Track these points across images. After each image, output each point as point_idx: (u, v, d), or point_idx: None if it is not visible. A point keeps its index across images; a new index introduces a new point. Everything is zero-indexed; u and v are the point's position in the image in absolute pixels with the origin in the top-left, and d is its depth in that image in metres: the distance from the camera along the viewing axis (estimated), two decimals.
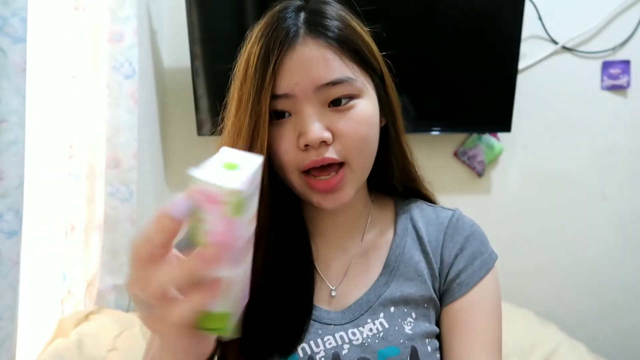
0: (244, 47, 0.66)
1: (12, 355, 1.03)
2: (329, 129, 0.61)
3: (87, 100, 1.45)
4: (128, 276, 0.41)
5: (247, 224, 0.43)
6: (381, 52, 0.69)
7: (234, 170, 0.41)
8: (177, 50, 1.90)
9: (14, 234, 1.00)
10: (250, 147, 0.62)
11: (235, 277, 0.43)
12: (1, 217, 0.99)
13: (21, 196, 1.02)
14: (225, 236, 0.40)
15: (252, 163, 0.42)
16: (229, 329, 0.45)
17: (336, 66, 0.62)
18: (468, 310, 0.66)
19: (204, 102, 1.81)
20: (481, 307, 0.67)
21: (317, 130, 0.60)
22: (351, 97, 0.63)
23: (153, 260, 0.40)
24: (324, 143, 0.61)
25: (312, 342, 0.66)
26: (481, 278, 0.69)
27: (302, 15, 0.64)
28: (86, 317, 1.39)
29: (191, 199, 0.39)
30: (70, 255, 1.44)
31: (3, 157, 0.99)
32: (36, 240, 1.32)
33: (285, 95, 0.61)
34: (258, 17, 0.68)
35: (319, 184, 0.63)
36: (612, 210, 1.88)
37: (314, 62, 0.61)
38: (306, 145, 0.61)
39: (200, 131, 1.86)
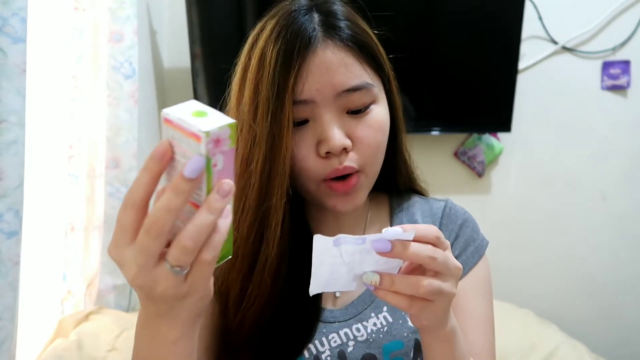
0: (253, 47, 0.64)
1: (12, 355, 1.03)
2: (347, 135, 0.62)
3: (87, 100, 1.45)
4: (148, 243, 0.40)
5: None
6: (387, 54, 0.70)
7: (205, 117, 0.40)
8: (177, 50, 1.90)
9: (14, 234, 1.00)
10: (272, 157, 0.60)
11: None
12: (1, 217, 0.98)
13: (21, 196, 1.02)
14: (231, 174, 0.42)
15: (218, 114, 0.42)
16: (230, 252, 0.46)
17: (356, 71, 0.62)
18: (462, 294, 0.68)
19: (204, 102, 1.80)
20: (474, 291, 0.70)
21: (339, 137, 0.60)
22: (368, 105, 0.63)
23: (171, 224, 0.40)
24: (344, 150, 0.61)
25: (317, 342, 0.66)
26: (474, 264, 0.72)
27: (316, 16, 0.63)
28: (86, 317, 1.39)
29: (202, 152, 0.39)
30: (70, 255, 1.44)
31: (3, 157, 0.98)
32: (36, 240, 1.32)
33: (305, 101, 0.61)
34: (258, 17, 0.67)
35: (337, 185, 0.63)
36: (612, 210, 1.88)
37: (335, 67, 0.60)
38: (327, 153, 0.61)
39: None
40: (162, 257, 0.41)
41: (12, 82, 0.99)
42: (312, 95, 0.60)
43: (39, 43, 1.28)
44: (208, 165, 0.39)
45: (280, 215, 0.62)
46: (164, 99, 1.96)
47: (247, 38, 0.67)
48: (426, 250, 0.48)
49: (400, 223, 0.74)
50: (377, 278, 0.49)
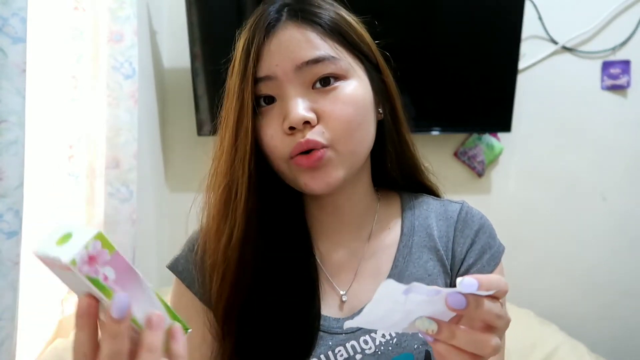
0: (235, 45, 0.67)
1: (12, 355, 1.03)
2: (313, 110, 0.60)
3: (87, 100, 1.45)
4: None
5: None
6: (380, 48, 0.69)
7: (69, 240, 0.39)
8: (177, 50, 1.90)
9: (14, 234, 1.00)
10: (236, 135, 0.62)
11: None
12: (1, 217, 0.98)
13: (21, 196, 1.02)
14: (132, 272, 0.42)
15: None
16: (186, 326, 0.46)
17: (317, 44, 0.61)
18: None
19: (204, 102, 1.81)
20: None
21: (300, 110, 0.59)
22: (336, 78, 0.61)
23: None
24: (308, 124, 0.60)
25: (322, 356, 0.64)
26: (489, 273, 0.69)
27: (287, 6, 0.64)
28: None
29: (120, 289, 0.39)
30: None
31: (3, 157, 0.98)
32: (36, 240, 1.31)
33: (268, 78, 0.61)
34: None
35: (302, 159, 0.60)
36: (612, 210, 1.88)
37: (295, 42, 0.60)
38: (291, 128, 0.60)
39: (200, 131, 1.86)
40: None
41: (12, 82, 0.99)
42: (273, 71, 0.61)
43: (39, 43, 1.28)
44: (95, 283, 0.38)
45: (243, 195, 0.62)
46: (164, 99, 1.96)
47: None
48: (496, 308, 0.44)
49: (411, 227, 0.71)
50: (434, 327, 0.44)
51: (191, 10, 1.75)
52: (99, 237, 0.39)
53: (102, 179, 1.49)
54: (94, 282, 0.38)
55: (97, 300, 0.39)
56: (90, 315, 0.39)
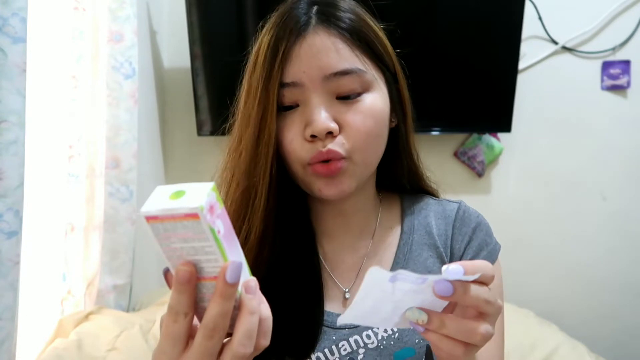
0: (256, 40, 0.66)
1: (12, 355, 1.03)
2: (335, 120, 0.61)
3: (87, 100, 1.45)
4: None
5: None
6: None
7: (185, 195, 0.40)
8: (177, 50, 1.90)
9: (14, 234, 1.00)
10: (258, 137, 0.62)
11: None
12: (1, 217, 0.99)
13: (21, 196, 1.02)
14: (233, 234, 0.42)
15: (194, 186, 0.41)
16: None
17: (346, 56, 0.61)
18: None
19: (204, 102, 1.81)
20: None
21: (324, 120, 0.59)
22: (360, 92, 0.62)
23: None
24: (330, 134, 0.60)
25: (326, 350, 0.64)
26: None
27: (315, 7, 0.63)
28: (86, 317, 1.39)
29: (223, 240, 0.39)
30: (70, 255, 1.44)
31: (3, 157, 0.99)
32: (36, 240, 1.32)
33: (293, 84, 0.61)
34: (258, 17, 0.67)
35: (320, 167, 0.61)
36: (612, 210, 1.88)
37: (324, 51, 0.60)
38: (312, 136, 0.60)
39: (200, 131, 1.86)
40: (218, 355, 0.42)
41: (12, 82, 0.99)
42: (300, 78, 0.60)
43: (39, 43, 1.28)
44: (214, 234, 0.39)
45: (263, 196, 0.62)
46: (164, 99, 1.96)
47: (257, 31, 0.69)
48: (484, 293, 0.44)
49: (411, 226, 0.73)
50: (424, 317, 0.44)
51: (191, 10, 1.75)
52: (215, 189, 0.40)
53: (102, 179, 1.49)
54: (213, 232, 0.39)
55: (195, 268, 0.41)
56: (191, 280, 0.41)
